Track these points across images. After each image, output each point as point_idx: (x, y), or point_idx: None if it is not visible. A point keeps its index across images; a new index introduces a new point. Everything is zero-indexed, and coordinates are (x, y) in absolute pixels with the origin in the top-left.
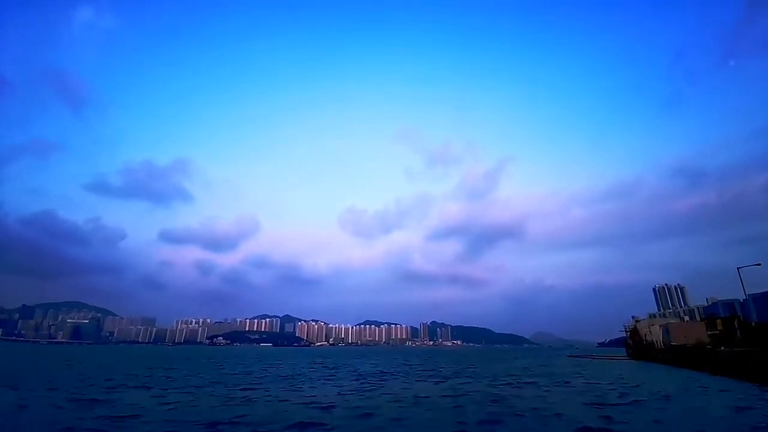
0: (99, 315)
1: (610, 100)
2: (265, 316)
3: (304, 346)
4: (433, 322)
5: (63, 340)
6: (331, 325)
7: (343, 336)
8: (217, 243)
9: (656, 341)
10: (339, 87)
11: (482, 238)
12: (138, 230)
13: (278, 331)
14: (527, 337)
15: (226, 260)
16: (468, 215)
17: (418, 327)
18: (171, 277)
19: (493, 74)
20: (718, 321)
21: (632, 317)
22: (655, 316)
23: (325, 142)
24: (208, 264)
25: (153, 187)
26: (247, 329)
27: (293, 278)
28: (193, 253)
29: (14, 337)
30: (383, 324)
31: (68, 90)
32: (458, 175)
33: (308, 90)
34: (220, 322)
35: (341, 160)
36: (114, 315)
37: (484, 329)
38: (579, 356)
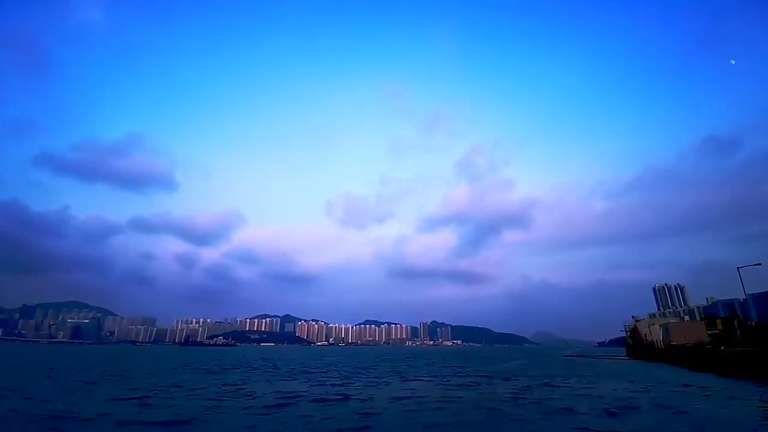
0: (99, 315)
1: (639, 74)
2: (265, 316)
3: (305, 345)
4: (433, 322)
5: (63, 339)
6: (331, 325)
7: (343, 336)
8: (206, 238)
9: (656, 341)
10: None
11: (483, 229)
12: (117, 219)
13: (278, 330)
14: (527, 337)
15: (217, 256)
16: (469, 201)
17: (418, 327)
18: (160, 272)
19: (500, 42)
20: (718, 321)
21: (632, 317)
22: (655, 315)
23: (307, 126)
24: (199, 259)
25: (128, 173)
26: (247, 329)
27: (287, 275)
28: (185, 248)
29: (14, 337)
30: (383, 324)
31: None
32: (458, 151)
33: (293, 78)
34: (220, 322)
35: (324, 141)
36: (114, 315)
37: (484, 329)
38: (577, 356)
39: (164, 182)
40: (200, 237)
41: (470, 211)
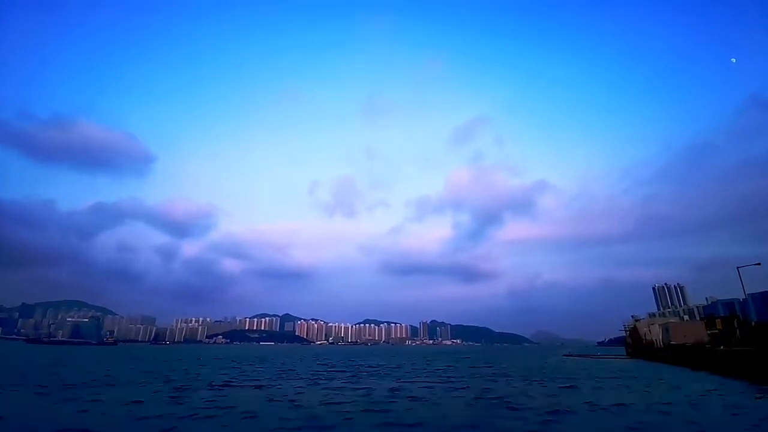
0: (99, 314)
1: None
2: (264, 315)
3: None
4: (432, 321)
5: (63, 339)
6: (330, 324)
7: (342, 335)
8: (191, 229)
9: (656, 340)
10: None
11: (484, 220)
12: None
13: (278, 330)
14: (527, 337)
15: (210, 252)
16: (468, 185)
17: (418, 326)
18: (152, 267)
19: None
20: (718, 320)
21: (632, 317)
22: (654, 315)
23: (284, 99)
24: (191, 255)
25: (96, 154)
26: (247, 328)
27: (282, 272)
28: (171, 242)
29: (14, 336)
30: (383, 323)
31: None
32: (455, 120)
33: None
34: (220, 321)
35: (301, 113)
36: (114, 314)
37: (483, 328)
38: (576, 355)
39: (139, 167)
40: (187, 229)
41: (469, 197)
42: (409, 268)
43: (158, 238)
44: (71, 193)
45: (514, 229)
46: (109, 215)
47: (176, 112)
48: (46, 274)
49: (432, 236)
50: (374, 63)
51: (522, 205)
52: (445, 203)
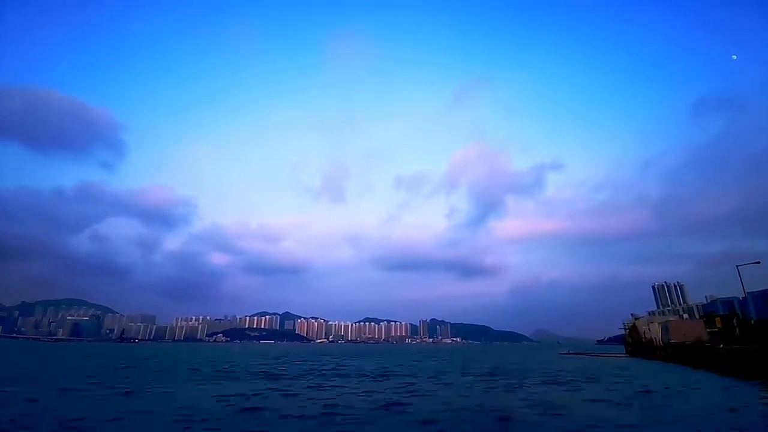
0: (99, 312)
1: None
2: (264, 314)
3: (304, 342)
4: (432, 320)
5: (63, 337)
6: (331, 322)
7: (342, 333)
8: (179, 223)
9: (655, 339)
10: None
11: (484, 208)
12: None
13: (278, 328)
14: (527, 335)
15: (213, 254)
16: (465, 168)
17: (418, 324)
18: (153, 265)
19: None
20: (717, 319)
21: (631, 315)
22: (654, 314)
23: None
24: (198, 254)
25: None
26: (247, 326)
27: (277, 267)
28: (173, 243)
29: (14, 335)
30: (383, 321)
31: None
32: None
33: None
34: (220, 320)
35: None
36: (114, 312)
37: (483, 327)
38: (573, 353)
39: (111, 149)
40: (172, 221)
41: (470, 179)
42: (407, 263)
43: (141, 229)
44: (37, 177)
45: (516, 223)
46: (84, 201)
47: (155, 101)
48: (22, 267)
49: (429, 226)
50: None
51: (526, 190)
52: (444, 187)
